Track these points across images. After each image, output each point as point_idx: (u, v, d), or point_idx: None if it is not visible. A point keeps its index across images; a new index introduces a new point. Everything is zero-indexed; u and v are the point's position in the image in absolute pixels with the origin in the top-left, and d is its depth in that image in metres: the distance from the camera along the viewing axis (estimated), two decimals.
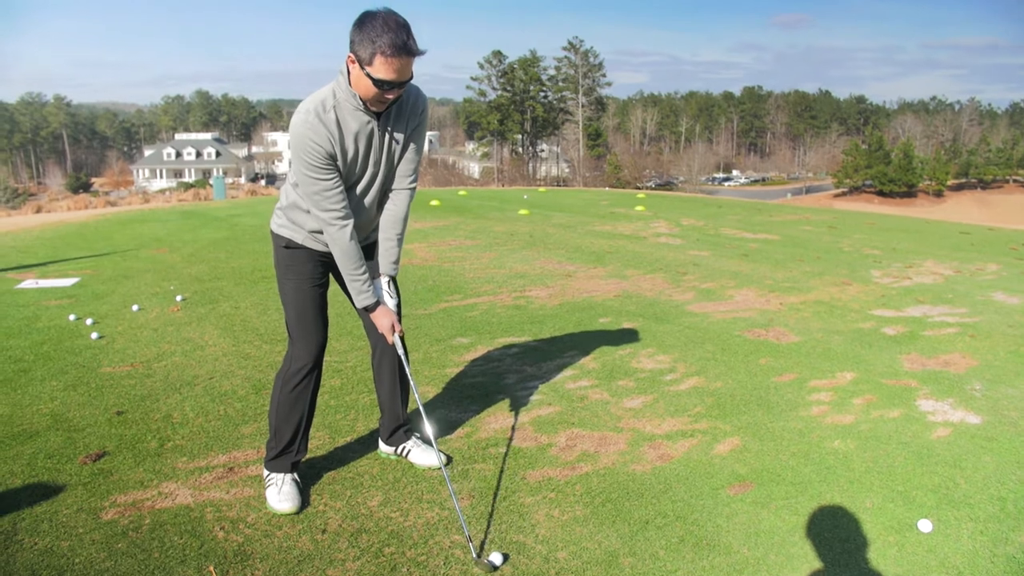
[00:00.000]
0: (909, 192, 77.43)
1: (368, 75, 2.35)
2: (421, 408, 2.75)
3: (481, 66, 79.35)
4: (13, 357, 4.36)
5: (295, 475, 2.81)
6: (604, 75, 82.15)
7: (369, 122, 2.53)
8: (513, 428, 3.42)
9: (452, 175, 68.53)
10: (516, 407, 3.66)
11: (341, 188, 2.54)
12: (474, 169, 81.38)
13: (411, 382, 2.85)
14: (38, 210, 30.12)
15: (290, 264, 2.78)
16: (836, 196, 77.89)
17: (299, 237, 2.74)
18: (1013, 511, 2.74)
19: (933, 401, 3.81)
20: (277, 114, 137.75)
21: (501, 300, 5.85)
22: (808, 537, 2.56)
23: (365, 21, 2.34)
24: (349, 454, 3.14)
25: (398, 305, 2.87)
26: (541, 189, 20.77)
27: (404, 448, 3.07)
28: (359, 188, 2.65)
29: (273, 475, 2.78)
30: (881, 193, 77.02)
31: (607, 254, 8.13)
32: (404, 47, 2.32)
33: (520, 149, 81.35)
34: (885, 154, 78.49)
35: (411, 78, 2.44)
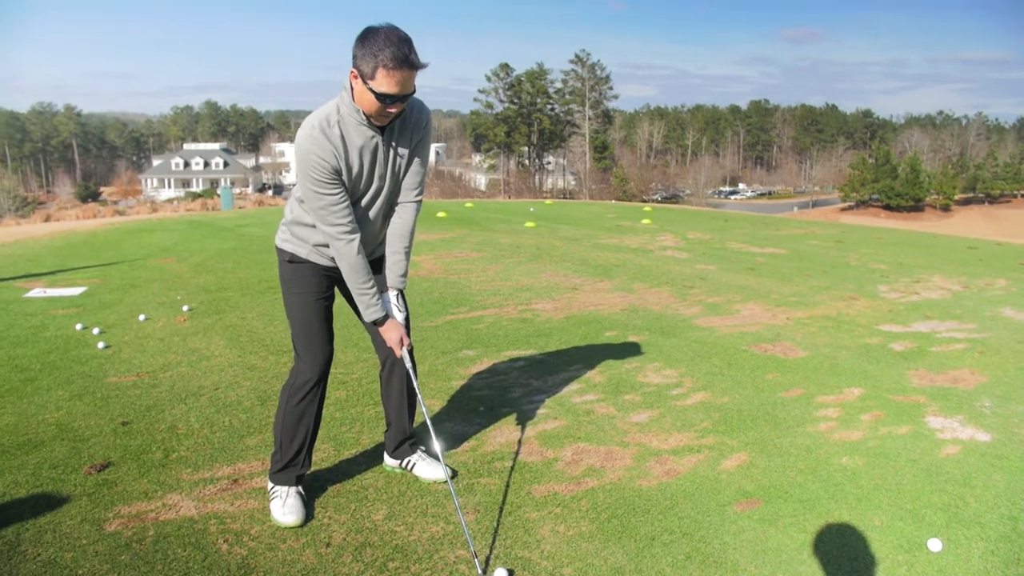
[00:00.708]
0: (916, 206, 77.25)
1: (371, 89, 2.37)
2: (428, 422, 2.74)
3: (488, 79, 79.68)
4: (20, 366, 4.37)
5: (299, 488, 2.79)
6: (611, 88, 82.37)
7: (373, 137, 2.53)
8: (519, 442, 3.40)
9: (459, 187, 68.73)
10: (522, 421, 3.64)
11: (347, 202, 2.55)
12: (481, 181, 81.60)
13: (419, 396, 2.84)
14: (47, 219, 30.26)
15: (294, 278, 2.79)
16: (843, 210, 77.74)
17: (303, 251, 2.74)
18: None
19: (942, 418, 3.78)
20: (285, 125, 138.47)
21: (507, 313, 5.84)
22: (816, 555, 2.54)
23: (367, 36, 2.36)
24: (354, 467, 3.13)
25: (407, 319, 2.87)
26: (547, 202, 20.81)
27: (409, 462, 3.06)
28: (364, 202, 2.66)
29: (277, 488, 2.77)
30: (888, 207, 76.86)
31: (613, 267, 8.12)
32: (406, 60, 2.34)
33: (527, 161, 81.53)
34: (892, 168, 78.39)
35: (413, 92, 2.45)
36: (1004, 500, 2.93)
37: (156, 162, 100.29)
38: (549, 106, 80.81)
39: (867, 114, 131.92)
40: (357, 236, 2.58)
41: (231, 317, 5.61)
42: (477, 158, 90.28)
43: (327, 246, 2.68)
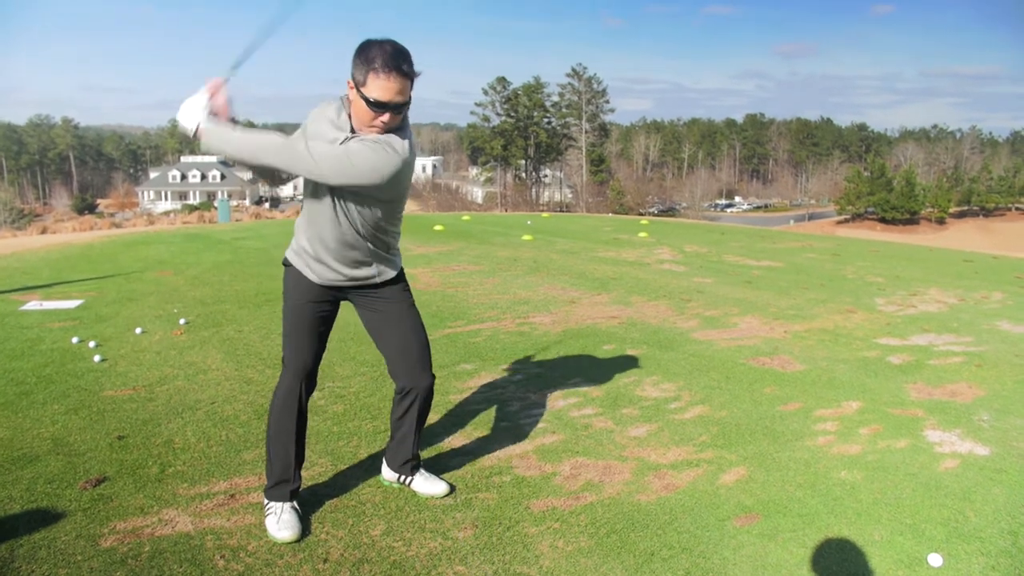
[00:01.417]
0: (911, 219, 77.60)
1: (363, 96, 2.40)
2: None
3: (485, 92, 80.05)
4: (15, 380, 4.35)
5: (294, 503, 2.77)
6: (607, 102, 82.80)
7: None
8: (517, 456, 3.39)
9: (456, 200, 68.89)
10: (520, 435, 3.63)
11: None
12: (478, 194, 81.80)
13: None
14: (43, 231, 30.25)
15: (287, 283, 2.87)
16: (839, 223, 78.08)
17: (299, 263, 2.78)
18: None
19: (940, 431, 3.78)
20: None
21: (505, 326, 5.84)
22: (815, 571, 2.53)
23: (364, 47, 2.41)
24: (351, 481, 3.11)
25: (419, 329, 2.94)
26: (544, 215, 20.85)
27: (408, 478, 3.04)
28: (330, 198, 2.61)
29: (272, 503, 2.75)
30: (883, 220, 77.18)
31: (611, 280, 8.13)
32: (397, 67, 2.37)
33: (523, 174, 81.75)
34: (887, 181, 78.80)
35: (406, 103, 2.46)
36: (1004, 514, 2.92)
37: (153, 174, 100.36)
38: (546, 119, 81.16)
39: (862, 127, 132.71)
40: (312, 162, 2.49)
41: (228, 330, 5.60)
42: (474, 171, 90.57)
43: (318, 261, 2.74)
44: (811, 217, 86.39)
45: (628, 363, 4.88)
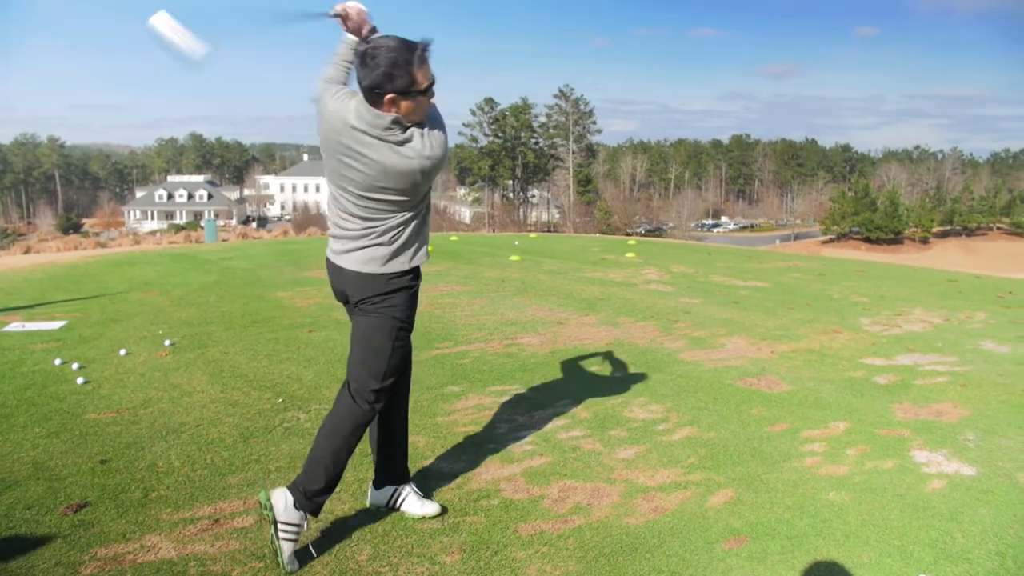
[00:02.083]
0: (895, 239, 78.48)
1: (417, 91, 2.52)
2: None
3: (473, 112, 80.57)
4: None
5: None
6: (594, 122, 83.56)
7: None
8: (505, 479, 3.37)
9: (443, 220, 68.96)
10: (508, 457, 3.61)
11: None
12: (465, 214, 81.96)
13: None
14: (27, 251, 30.00)
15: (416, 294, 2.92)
16: (824, 243, 78.79)
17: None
18: (1012, 567, 2.70)
19: (927, 452, 3.79)
20: (270, 157, 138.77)
21: (492, 347, 5.83)
22: None
23: (389, 60, 2.50)
24: (337, 505, 3.07)
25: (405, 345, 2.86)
26: (532, 235, 20.91)
27: (399, 494, 3.00)
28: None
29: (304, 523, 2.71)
30: (868, 240, 78.00)
31: (598, 301, 8.14)
32: (426, 51, 2.56)
33: (511, 195, 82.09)
34: (871, 201, 79.71)
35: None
36: (991, 535, 2.92)
37: (139, 194, 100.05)
38: (533, 140, 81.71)
39: (846, 148, 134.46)
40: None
41: (214, 352, 5.55)
42: (462, 191, 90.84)
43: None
44: (797, 237, 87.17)
45: (616, 384, 4.87)
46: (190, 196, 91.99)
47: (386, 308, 2.73)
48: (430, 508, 2.98)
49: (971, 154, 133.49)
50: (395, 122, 2.51)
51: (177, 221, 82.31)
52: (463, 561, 2.67)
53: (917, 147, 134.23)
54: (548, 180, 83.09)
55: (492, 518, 2.99)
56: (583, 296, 8.44)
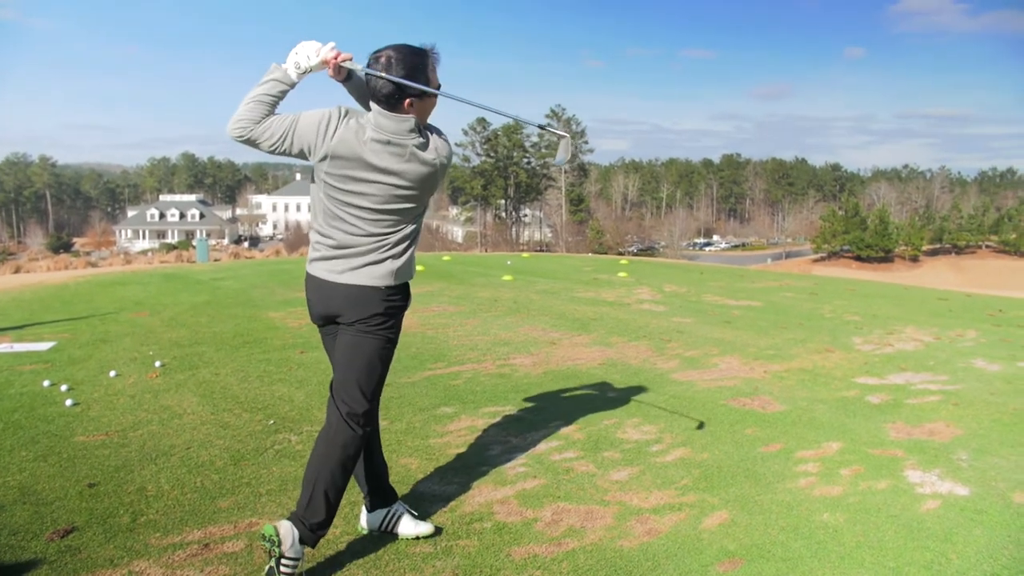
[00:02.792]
0: (886, 257, 78.97)
1: (430, 92, 2.63)
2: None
3: (465, 132, 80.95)
4: None
5: None
6: (586, 142, 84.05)
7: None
8: (498, 502, 3.34)
9: (436, 240, 69.02)
10: (501, 479, 3.59)
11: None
12: (458, 233, 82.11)
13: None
14: (17, 270, 29.83)
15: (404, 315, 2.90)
16: (815, 261, 79.21)
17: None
18: None
19: (920, 472, 3.78)
20: (262, 177, 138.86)
21: (485, 368, 5.81)
22: None
23: (412, 63, 2.59)
24: (330, 529, 3.04)
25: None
26: (525, 255, 20.94)
27: (394, 514, 2.98)
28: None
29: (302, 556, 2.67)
30: (859, 258, 78.46)
31: (591, 321, 8.14)
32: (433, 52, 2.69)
33: (503, 214, 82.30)
34: (861, 220, 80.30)
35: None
36: (986, 556, 2.91)
37: (131, 213, 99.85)
38: (525, 160, 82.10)
39: (836, 167, 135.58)
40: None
41: (204, 373, 5.52)
42: (454, 211, 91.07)
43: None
44: (788, 255, 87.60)
45: (609, 405, 4.86)
46: (182, 215, 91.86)
47: (382, 329, 2.72)
48: (424, 528, 2.96)
49: (959, 173, 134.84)
50: (416, 125, 2.61)
51: (169, 240, 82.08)
52: None
53: (906, 166, 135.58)
54: (540, 199, 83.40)
55: (485, 541, 2.97)
56: (576, 316, 8.44)
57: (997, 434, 4.42)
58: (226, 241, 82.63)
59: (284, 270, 13.56)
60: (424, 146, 2.63)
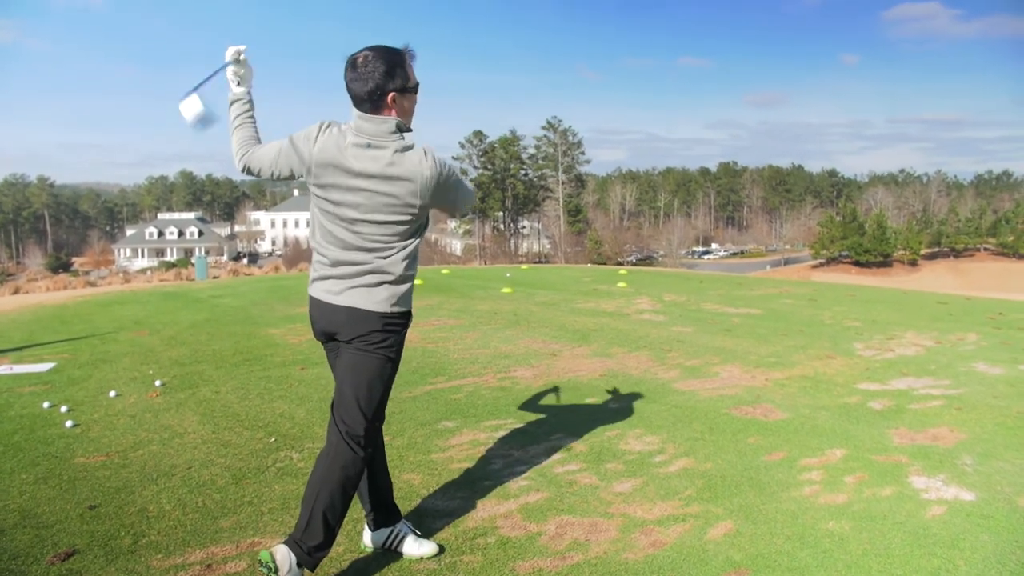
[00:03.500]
0: (885, 262, 79.01)
1: (413, 89, 2.67)
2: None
3: (462, 145, 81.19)
4: None
5: None
6: (583, 153, 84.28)
7: None
8: (501, 516, 3.32)
9: (434, 253, 69.06)
10: (504, 493, 3.57)
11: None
12: (456, 246, 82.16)
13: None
14: (15, 291, 29.81)
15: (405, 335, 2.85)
16: (814, 267, 79.26)
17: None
18: None
19: (925, 477, 3.77)
20: (260, 193, 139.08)
21: (486, 381, 5.80)
22: None
23: (392, 60, 2.62)
24: (333, 548, 3.02)
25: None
26: (523, 266, 20.94)
27: (398, 533, 2.96)
28: None
29: None
30: (858, 263, 78.50)
31: (591, 332, 8.13)
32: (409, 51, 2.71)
33: (502, 226, 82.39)
34: (859, 225, 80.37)
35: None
36: (993, 562, 2.90)
37: (130, 232, 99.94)
38: (523, 171, 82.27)
39: (832, 173, 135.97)
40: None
41: (205, 391, 5.50)
42: (452, 223, 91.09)
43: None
44: (787, 262, 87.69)
45: (611, 416, 4.84)
46: (181, 233, 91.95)
47: (381, 347, 2.69)
48: (428, 548, 2.94)
49: (955, 176, 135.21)
50: (397, 127, 2.61)
51: (168, 258, 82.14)
52: None
53: (902, 170, 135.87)
54: (538, 211, 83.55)
55: (489, 556, 2.95)
56: (576, 327, 8.43)
57: (1001, 438, 4.41)
58: (225, 258, 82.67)
59: (283, 286, 13.56)
60: (407, 148, 2.60)
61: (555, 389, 5.52)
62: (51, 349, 7.22)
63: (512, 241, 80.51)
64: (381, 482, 2.99)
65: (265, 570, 2.52)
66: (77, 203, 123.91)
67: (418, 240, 2.75)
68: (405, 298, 2.71)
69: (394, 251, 2.65)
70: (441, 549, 2.98)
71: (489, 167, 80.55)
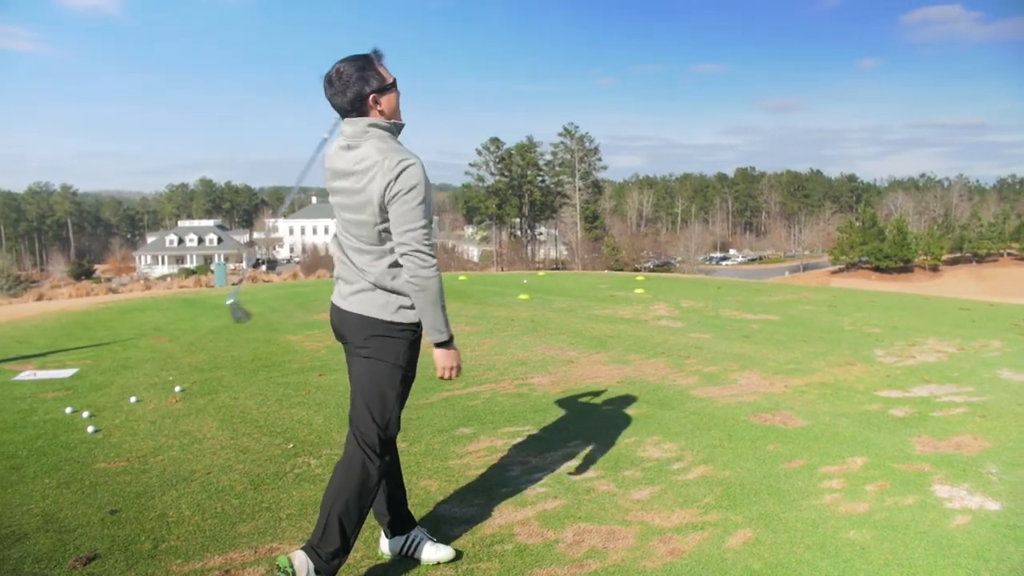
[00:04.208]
0: (905, 267, 78.16)
1: (391, 88, 2.69)
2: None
3: (479, 152, 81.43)
4: (6, 453, 4.27)
5: None
6: (600, 159, 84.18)
7: None
8: (519, 523, 3.31)
9: (452, 259, 69.22)
10: (521, 500, 3.56)
11: None
12: (473, 253, 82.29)
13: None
14: (39, 298, 30.21)
15: (414, 351, 2.83)
16: (833, 273, 78.56)
17: (414, 316, 2.74)
18: None
19: (949, 486, 3.71)
20: (279, 200, 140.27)
21: (503, 388, 5.79)
22: None
23: (362, 67, 2.65)
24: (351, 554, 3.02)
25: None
26: (540, 273, 20.92)
27: (414, 538, 2.96)
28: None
29: None
30: (878, 269, 77.72)
31: (608, 339, 8.10)
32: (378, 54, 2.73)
33: (519, 232, 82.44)
34: (879, 230, 79.63)
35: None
36: (1021, 573, 2.84)
37: (150, 239, 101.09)
38: (539, 178, 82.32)
39: (851, 178, 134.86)
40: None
41: (224, 397, 5.54)
42: (469, 230, 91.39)
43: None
44: (806, 268, 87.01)
45: (628, 423, 4.82)
46: (200, 240, 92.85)
47: (387, 355, 2.70)
48: (444, 553, 2.94)
49: (977, 181, 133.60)
50: (371, 125, 2.65)
51: (187, 265, 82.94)
52: None
53: (923, 175, 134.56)
54: (555, 217, 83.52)
55: (506, 564, 2.94)
56: (593, 334, 8.41)
57: None
58: (244, 265, 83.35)
59: (301, 293, 13.64)
60: (382, 149, 2.59)
61: (572, 396, 5.50)
62: (74, 355, 7.31)
63: (529, 247, 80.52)
64: (395, 489, 2.99)
65: (282, 574, 2.53)
66: (99, 211, 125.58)
67: None
68: (406, 309, 2.69)
69: (385, 255, 2.66)
70: (458, 554, 2.98)
71: (506, 174, 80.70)
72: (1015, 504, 3.49)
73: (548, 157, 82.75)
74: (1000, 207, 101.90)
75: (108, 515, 3.40)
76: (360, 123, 2.66)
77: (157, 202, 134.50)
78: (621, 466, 4.01)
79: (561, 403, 5.30)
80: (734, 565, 2.92)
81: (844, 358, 6.91)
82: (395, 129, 2.71)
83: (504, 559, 2.98)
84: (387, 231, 2.62)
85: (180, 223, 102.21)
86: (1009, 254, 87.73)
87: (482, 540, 3.15)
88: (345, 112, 2.67)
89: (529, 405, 5.25)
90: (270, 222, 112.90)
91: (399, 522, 2.98)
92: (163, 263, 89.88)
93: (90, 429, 4.69)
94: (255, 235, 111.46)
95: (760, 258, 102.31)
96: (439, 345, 2.69)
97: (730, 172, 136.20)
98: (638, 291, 13.60)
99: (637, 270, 60.10)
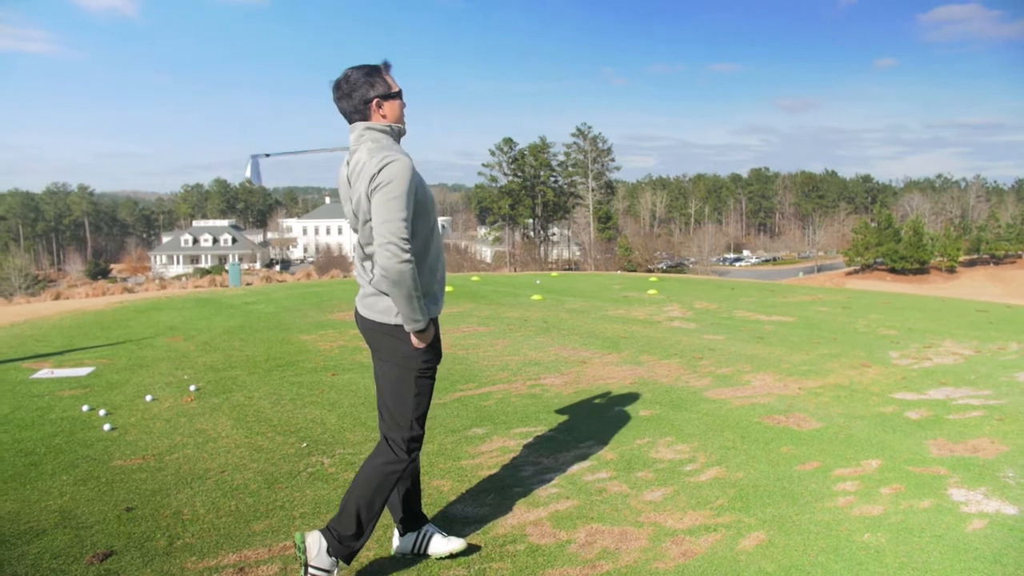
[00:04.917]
0: (921, 269, 77.42)
1: (395, 95, 2.74)
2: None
3: (492, 153, 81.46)
4: (24, 450, 4.32)
5: None
6: (613, 159, 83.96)
7: None
8: (531, 524, 3.32)
9: (465, 260, 69.26)
10: (533, 501, 3.56)
11: None
12: (486, 254, 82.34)
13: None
14: (56, 297, 30.53)
15: (432, 350, 2.82)
16: (848, 274, 77.95)
17: (432, 312, 2.81)
18: None
19: (965, 490, 3.68)
20: (292, 201, 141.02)
21: (516, 388, 5.80)
22: None
23: (369, 75, 2.72)
24: (361, 551, 3.04)
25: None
26: (553, 274, 20.91)
27: (426, 533, 2.98)
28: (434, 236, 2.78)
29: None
30: (893, 270, 77.05)
31: (621, 339, 8.09)
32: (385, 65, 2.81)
33: (532, 233, 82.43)
34: (895, 232, 78.93)
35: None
36: None
37: (166, 239, 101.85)
38: (552, 178, 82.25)
39: (867, 179, 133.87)
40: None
41: (238, 396, 5.58)
42: (482, 231, 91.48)
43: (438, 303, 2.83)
44: (820, 269, 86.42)
45: (641, 424, 4.81)
46: (215, 240, 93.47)
47: (396, 356, 2.75)
48: (456, 544, 2.97)
49: (995, 181, 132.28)
50: (367, 128, 2.70)
51: (202, 265, 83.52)
52: None
53: (939, 176, 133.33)
54: (568, 218, 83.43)
55: (519, 564, 2.94)
56: (606, 335, 8.40)
57: None
58: (258, 265, 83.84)
59: (315, 293, 13.70)
60: (368, 150, 2.66)
61: (585, 397, 5.50)
62: (91, 354, 7.38)
63: (542, 248, 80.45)
64: (411, 487, 3.01)
65: (298, 552, 2.67)
66: (116, 211, 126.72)
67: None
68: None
69: None
70: (470, 546, 3.01)
71: (519, 174, 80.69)
72: None
73: (561, 158, 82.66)
74: (1018, 208, 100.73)
75: (124, 512, 3.43)
76: (358, 127, 2.72)
77: (172, 202, 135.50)
78: (633, 467, 4.00)
79: (574, 404, 5.30)
80: (747, 567, 2.91)
81: (859, 360, 6.86)
82: (394, 132, 2.75)
83: (516, 559, 2.98)
84: None
85: (195, 223, 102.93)
86: None
87: (494, 540, 3.16)
88: (350, 117, 2.73)
89: (542, 406, 5.26)
90: (284, 222, 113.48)
91: (411, 520, 2.99)
92: (178, 263, 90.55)
93: (106, 427, 4.74)
94: (269, 235, 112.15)
95: (774, 259, 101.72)
96: (417, 332, 2.69)
97: (744, 172, 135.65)
98: (651, 292, 13.56)
99: (650, 271, 59.92)
